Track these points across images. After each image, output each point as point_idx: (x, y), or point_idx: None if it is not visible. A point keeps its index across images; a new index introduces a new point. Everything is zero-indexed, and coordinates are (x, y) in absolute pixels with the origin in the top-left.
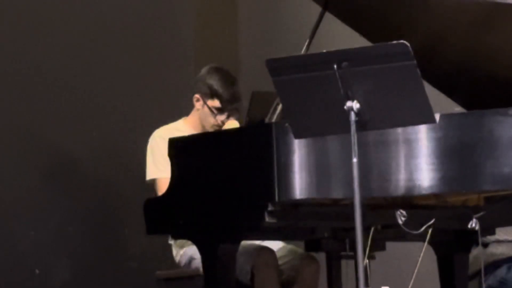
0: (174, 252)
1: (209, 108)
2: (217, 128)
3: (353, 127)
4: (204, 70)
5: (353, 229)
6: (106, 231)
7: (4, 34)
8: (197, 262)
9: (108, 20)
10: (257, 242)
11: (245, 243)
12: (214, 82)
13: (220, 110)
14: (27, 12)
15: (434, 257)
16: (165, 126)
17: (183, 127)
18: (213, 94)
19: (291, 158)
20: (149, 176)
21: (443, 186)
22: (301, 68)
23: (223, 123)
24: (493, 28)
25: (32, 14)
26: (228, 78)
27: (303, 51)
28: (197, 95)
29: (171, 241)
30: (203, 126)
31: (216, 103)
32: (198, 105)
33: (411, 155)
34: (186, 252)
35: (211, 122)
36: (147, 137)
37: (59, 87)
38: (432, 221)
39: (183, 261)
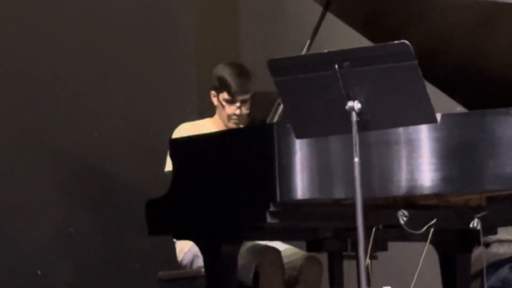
0: (178, 249)
1: (219, 101)
2: (236, 120)
3: (354, 127)
4: (217, 66)
5: (355, 229)
6: (109, 232)
7: (9, 33)
8: (201, 261)
9: (111, 20)
10: (263, 243)
11: (249, 243)
12: (223, 75)
13: (230, 102)
14: (31, 11)
15: (436, 257)
16: (192, 122)
17: (209, 126)
18: (222, 86)
19: (293, 158)
20: (167, 167)
21: (445, 186)
22: (302, 68)
23: (237, 115)
24: (494, 28)
25: (37, 14)
26: (237, 70)
27: (304, 52)
28: (212, 92)
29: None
30: (225, 125)
31: (225, 95)
32: (215, 101)
33: (412, 155)
34: (191, 250)
35: (224, 114)
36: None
37: (59, 87)
38: (434, 221)
39: (187, 258)
